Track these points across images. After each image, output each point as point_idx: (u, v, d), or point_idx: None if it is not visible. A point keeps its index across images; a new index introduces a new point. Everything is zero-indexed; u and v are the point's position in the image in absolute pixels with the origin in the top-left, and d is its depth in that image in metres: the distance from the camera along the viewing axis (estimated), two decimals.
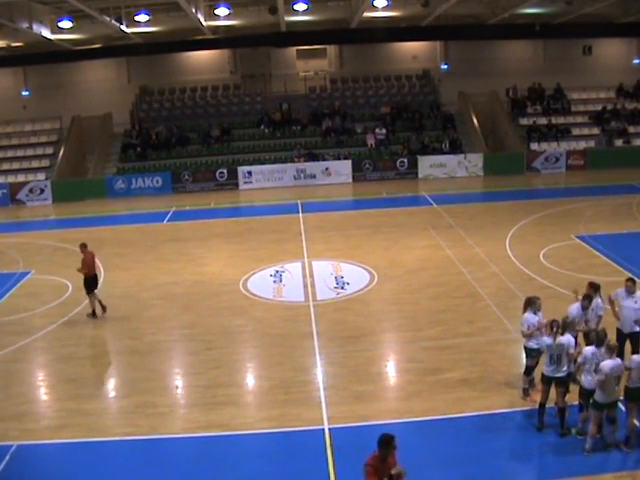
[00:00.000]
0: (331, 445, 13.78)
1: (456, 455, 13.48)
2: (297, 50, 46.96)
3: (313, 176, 41.31)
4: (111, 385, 17.54)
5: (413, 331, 19.66)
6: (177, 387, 17.06)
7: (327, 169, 41.51)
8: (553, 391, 14.15)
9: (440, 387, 16.18)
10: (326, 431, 14.32)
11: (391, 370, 18.05)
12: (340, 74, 48.10)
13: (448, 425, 14.56)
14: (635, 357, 13.53)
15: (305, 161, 41.82)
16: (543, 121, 45.79)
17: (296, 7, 34.89)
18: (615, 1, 35.99)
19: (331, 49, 47.81)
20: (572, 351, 13.98)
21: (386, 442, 10.13)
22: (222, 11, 35.18)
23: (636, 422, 13.59)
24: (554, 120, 45.78)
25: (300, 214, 33.74)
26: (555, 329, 14.06)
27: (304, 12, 35.86)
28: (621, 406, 13.75)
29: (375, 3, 34.00)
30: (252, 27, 38.69)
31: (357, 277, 24.22)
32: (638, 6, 37.90)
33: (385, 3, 34.16)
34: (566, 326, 14.37)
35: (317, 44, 46.15)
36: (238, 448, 14.02)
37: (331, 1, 37.75)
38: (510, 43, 46.92)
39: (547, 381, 14.17)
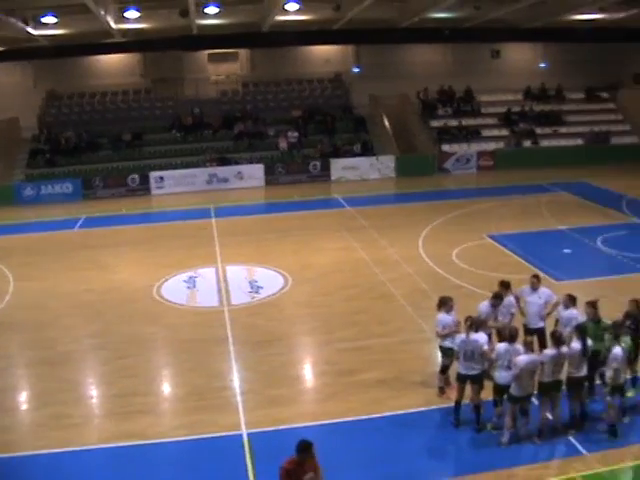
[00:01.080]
0: (250, 450, 13.72)
1: (374, 455, 13.57)
2: (209, 54, 46.67)
3: (226, 180, 41.03)
4: (22, 397, 16.98)
5: (328, 333, 19.71)
6: (92, 397, 16.75)
7: (239, 173, 41.28)
8: (468, 388, 14.39)
9: (356, 388, 16.26)
10: (244, 436, 14.25)
11: (307, 373, 18.07)
12: (252, 78, 47.97)
13: (365, 426, 14.65)
14: (547, 351, 13.91)
15: (217, 165, 41.56)
16: (453, 123, 46.51)
17: (207, 10, 34.67)
18: (521, 7, 36.80)
19: (243, 53, 47.61)
20: (486, 348, 14.22)
21: (303, 448, 10.18)
22: (132, 14, 34.68)
23: (548, 415, 13.97)
24: (464, 122, 46.55)
25: (213, 219, 33.45)
26: (469, 324, 14.35)
27: (215, 15, 35.66)
28: (534, 400, 14.09)
29: (286, 7, 34.00)
30: (163, 30, 38.31)
31: (271, 281, 24.16)
32: (543, 12, 38.80)
33: (297, 7, 34.17)
34: (479, 324, 14.66)
35: (229, 48, 45.96)
36: (155, 457, 13.82)
37: (242, 4, 37.60)
38: (420, 46, 47.54)
39: (462, 379, 14.42)
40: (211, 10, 34.56)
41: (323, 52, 47.85)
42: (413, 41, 45.27)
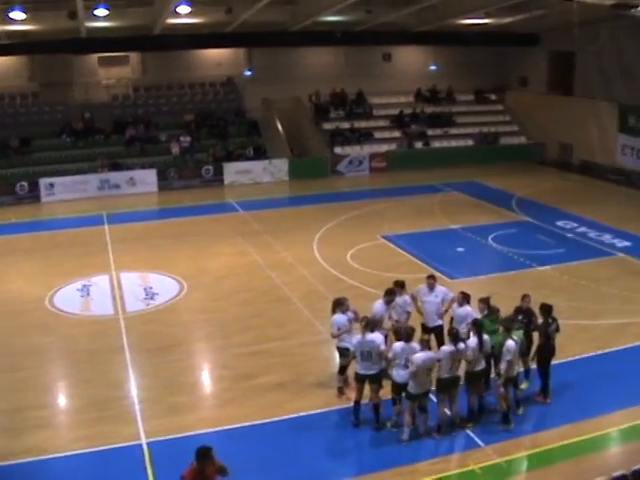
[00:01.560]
0: (150, 460, 13.64)
1: (276, 458, 13.75)
2: (99, 57, 45.76)
3: (118, 186, 40.21)
4: None
5: (224, 338, 19.75)
6: None
7: (132, 179, 40.60)
8: (367, 388, 14.58)
9: (254, 392, 16.36)
10: (144, 446, 14.17)
11: (205, 379, 18.06)
12: (143, 81, 47.23)
13: (265, 429, 14.79)
14: (444, 348, 14.34)
15: (109, 171, 40.81)
16: (346, 125, 46.84)
17: (96, 12, 33.88)
18: (412, 11, 37.36)
19: (134, 56, 46.84)
20: (383, 347, 14.47)
21: (203, 455, 10.15)
22: (17, 15, 33.53)
23: (447, 411, 14.35)
24: (356, 124, 46.92)
25: (106, 225, 32.74)
26: (364, 324, 14.63)
27: (105, 18, 34.96)
28: (432, 397, 14.40)
29: (178, 9, 33.59)
30: (51, 32, 37.36)
31: (166, 287, 23.97)
32: (433, 16, 39.53)
33: (188, 9, 33.76)
34: (375, 324, 14.90)
35: (119, 51, 45.20)
36: (54, 472, 13.60)
37: (133, 7, 37.00)
38: (313, 50, 47.63)
39: (360, 379, 14.64)
40: (100, 12, 33.82)
41: (215, 55, 47.50)
42: (305, 44, 45.38)
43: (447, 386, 14.29)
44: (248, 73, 47.97)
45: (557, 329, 15.59)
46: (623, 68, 39.88)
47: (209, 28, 40.36)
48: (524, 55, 48.79)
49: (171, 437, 14.43)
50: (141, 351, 18.88)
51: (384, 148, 45.83)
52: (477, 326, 14.64)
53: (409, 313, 16.64)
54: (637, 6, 23.49)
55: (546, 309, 15.62)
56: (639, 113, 39.02)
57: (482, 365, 14.72)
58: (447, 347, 14.31)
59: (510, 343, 14.32)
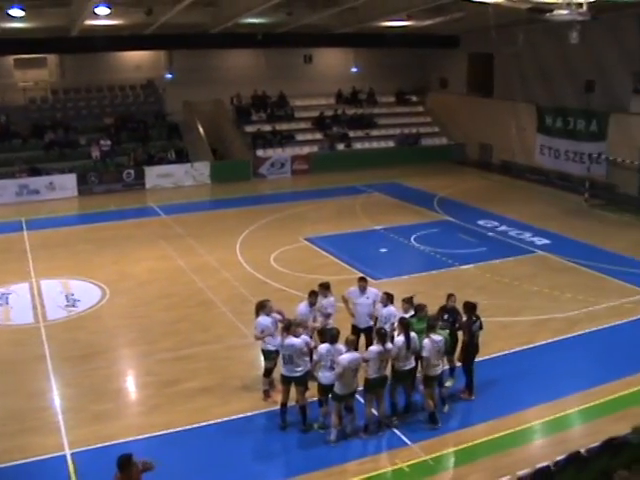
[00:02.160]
0: (75, 471, 13.38)
1: (204, 464, 13.67)
2: (14, 59, 44.82)
3: (37, 191, 39.41)
4: None
5: (148, 344, 19.52)
6: None
7: (51, 183, 39.84)
8: (293, 390, 14.58)
9: (180, 398, 16.22)
10: (68, 457, 13.88)
11: (129, 385, 17.80)
12: (62, 84, 46.42)
13: (192, 435, 14.69)
14: (372, 348, 14.45)
15: (28, 176, 40.00)
16: (268, 128, 46.84)
17: (11, 12, 33.14)
18: (333, 13, 37.46)
19: (52, 58, 46.00)
20: (306, 350, 14.49)
21: (124, 464, 10.08)
22: None
23: (374, 411, 14.43)
24: (278, 126, 46.97)
25: (25, 232, 31.95)
26: (282, 327, 14.70)
27: (21, 19, 34.23)
28: (359, 397, 14.48)
29: (96, 10, 33.00)
30: None
31: (88, 293, 23.56)
32: (354, 18, 39.71)
33: (107, 11, 33.21)
34: (297, 325, 14.91)
35: (36, 53, 44.29)
36: None
37: (50, 7, 36.27)
38: (234, 52, 47.43)
39: (286, 381, 14.65)
40: (15, 12, 33.05)
41: (135, 58, 46.91)
42: (226, 46, 45.17)
43: (375, 386, 14.38)
44: (169, 76, 47.55)
45: (480, 327, 15.88)
46: (540, 70, 40.78)
47: (129, 30, 39.79)
48: (444, 57, 49.53)
49: (96, 446, 14.17)
50: (63, 360, 18.52)
51: (306, 150, 46.00)
52: (404, 325, 14.77)
53: (330, 315, 16.68)
54: (552, 10, 23.90)
55: (469, 307, 15.89)
56: (556, 114, 39.86)
57: (412, 364, 14.89)
58: (375, 347, 14.39)
59: (425, 341, 14.57)
